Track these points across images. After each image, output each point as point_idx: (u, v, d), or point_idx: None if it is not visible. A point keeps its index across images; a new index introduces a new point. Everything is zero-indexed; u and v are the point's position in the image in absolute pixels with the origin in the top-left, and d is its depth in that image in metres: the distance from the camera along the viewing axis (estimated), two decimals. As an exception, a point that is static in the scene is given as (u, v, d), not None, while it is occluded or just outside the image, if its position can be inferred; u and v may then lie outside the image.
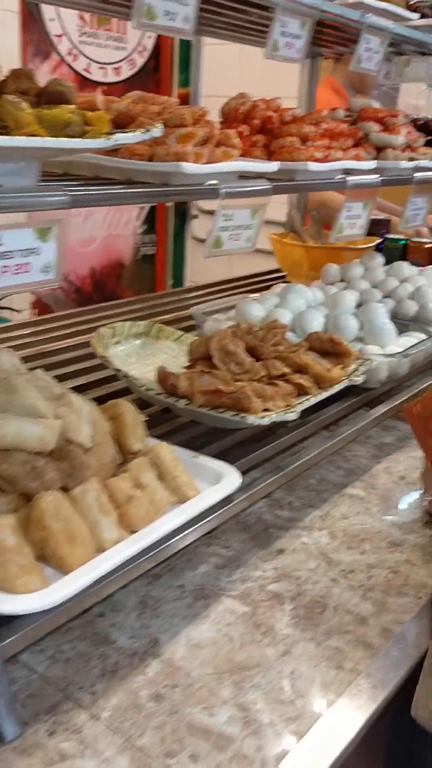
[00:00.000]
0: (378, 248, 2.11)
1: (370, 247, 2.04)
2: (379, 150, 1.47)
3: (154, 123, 0.99)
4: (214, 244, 1.04)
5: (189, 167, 0.94)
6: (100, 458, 0.81)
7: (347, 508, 1.02)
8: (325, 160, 1.25)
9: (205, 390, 0.99)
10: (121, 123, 1.03)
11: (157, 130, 0.84)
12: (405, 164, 1.44)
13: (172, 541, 0.78)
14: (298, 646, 0.75)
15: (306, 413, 1.19)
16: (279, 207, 2.58)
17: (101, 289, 3.96)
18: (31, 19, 3.26)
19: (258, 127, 1.29)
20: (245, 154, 1.25)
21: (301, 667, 0.72)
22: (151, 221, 4.06)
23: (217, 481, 0.88)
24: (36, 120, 0.74)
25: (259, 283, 2.12)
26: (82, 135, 0.77)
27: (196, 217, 4.22)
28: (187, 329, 1.55)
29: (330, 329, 1.36)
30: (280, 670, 0.71)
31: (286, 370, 1.09)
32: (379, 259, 1.75)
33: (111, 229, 3.90)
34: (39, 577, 0.67)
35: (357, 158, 1.33)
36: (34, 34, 3.32)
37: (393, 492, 1.07)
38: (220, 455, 1.05)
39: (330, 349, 1.19)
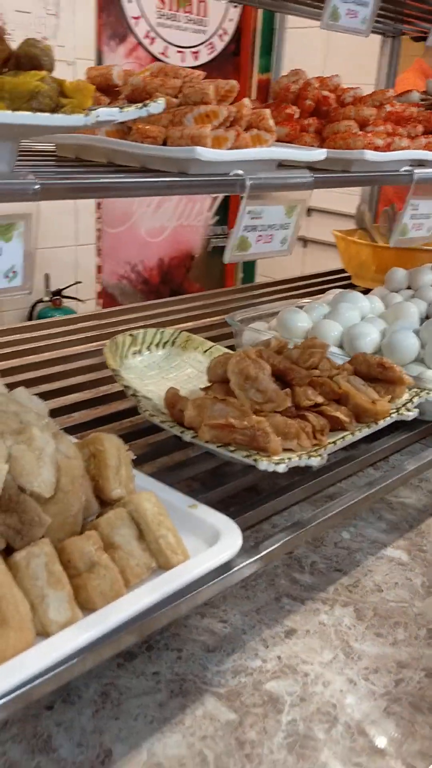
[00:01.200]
0: (457, 251, 1.88)
1: (448, 248, 1.81)
2: (459, 139, 1.25)
3: (171, 101, 0.83)
4: (238, 246, 0.87)
5: (206, 153, 0.77)
6: (64, 510, 0.66)
7: (383, 577, 0.83)
8: (387, 148, 1.05)
9: (213, 423, 0.82)
10: (137, 99, 0.87)
11: (155, 106, 0.67)
12: None
13: (142, 621, 0.62)
14: (289, 781, 0.58)
15: (349, 446, 1.01)
16: (349, 198, 2.37)
17: (169, 282, 3.84)
18: (107, 0, 3.15)
19: (311, 108, 1.10)
20: (295, 140, 1.07)
21: None
22: (224, 212, 3.90)
23: (213, 541, 0.71)
24: (-5, 89, 0.59)
25: (328, 283, 1.93)
26: (55, 108, 0.62)
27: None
28: (226, 336, 1.39)
29: (384, 348, 1.16)
30: None
31: (320, 399, 0.91)
32: (454, 264, 1.53)
33: (182, 219, 3.77)
34: None
35: (428, 147, 1.12)
36: (111, 15, 3.21)
37: (444, 557, 0.88)
38: (236, 497, 0.89)
39: (379, 374, 0.99)
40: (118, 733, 0.61)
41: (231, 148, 0.82)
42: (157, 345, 1.17)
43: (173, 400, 0.90)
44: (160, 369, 1.15)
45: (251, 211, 0.85)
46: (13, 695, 0.53)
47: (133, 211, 3.54)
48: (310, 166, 0.97)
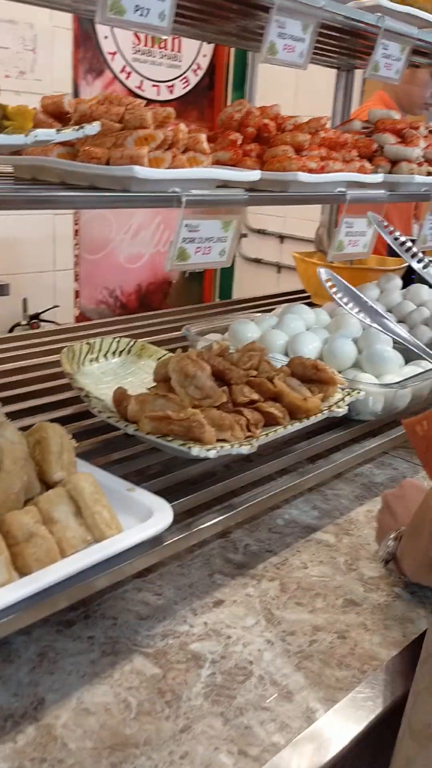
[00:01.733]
0: (411, 270, 1.98)
1: (401, 268, 1.91)
2: (395, 164, 1.36)
3: (113, 126, 0.92)
4: (177, 256, 0.96)
5: (142, 171, 0.86)
6: (6, 488, 0.73)
7: (310, 556, 0.91)
8: (321, 171, 1.14)
9: (152, 416, 0.90)
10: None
11: (91, 128, 0.76)
12: (420, 179, 1.32)
13: (72, 586, 0.69)
14: (202, 722, 0.64)
15: (291, 443, 1.09)
16: (310, 224, 2.48)
17: (147, 306, 3.94)
18: (84, 37, 3.28)
19: (252, 135, 1.20)
20: (238, 164, 1.16)
21: (197, 748, 0.61)
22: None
23: (147, 519, 0.78)
24: None
25: (290, 301, 2.02)
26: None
27: (245, 235, 4.16)
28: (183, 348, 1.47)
29: (325, 354, 1.24)
30: (171, 750, 0.61)
31: (256, 396, 0.99)
32: (397, 281, 1.63)
33: (159, 246, 3.88)
34: None
35: (361, 170, 1.22)
36: (88, 51, 3.34)
37: (368, 539, 0.95)
38: (180, 486, 0.96)
39: (313, 376, 1.08)
40: (51, 685, 0.67)
41: (168, 168, 0.92)
42: (114, 353, 1.25)
43: (120, 398, 0.98)
44: (116, 375, 1.22)
45: (188, 224, 0.94)
46: None
47: (112, 237, 3.65)
48: (253, 187, 1.07)
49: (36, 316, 3.43)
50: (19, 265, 3.43)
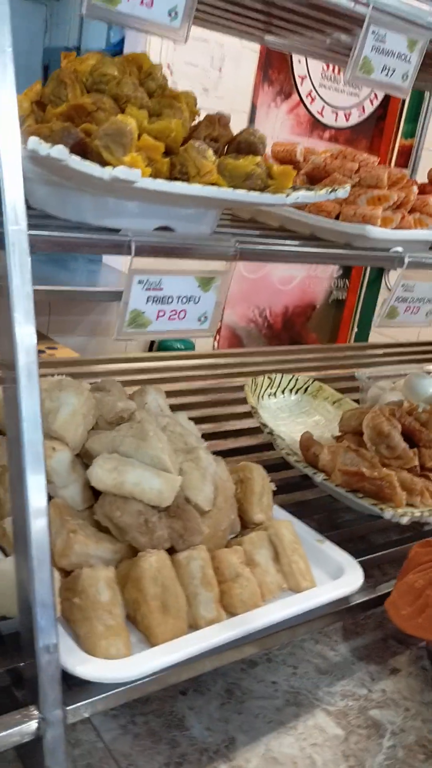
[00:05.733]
0: None
1: None
2: None
3: (346, 181, 0.95)
4: (388, 314, 0.97)
5: (375, 231, 0.88)
6: (216, 524, 0.76)
7: None
8: None
9: (346, 470, 0.91)
10: (316, 177, 0.99)
11: (342, 191, 0.79)
12: None
13: (270, 633, 0.71)
14: (388, 797, 0.64)
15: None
16: None
17: (289, 329, 3.96)
18: (277, 58, 3.32)
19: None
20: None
21: None
22: (347, 266, 3.99)
23: (337, 575, 0.79)
24: (218, 168, 0.72)
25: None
26: (263, 188, 0.74)
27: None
28: (350, 390, 1.48)
29: None
30: None
31: (445, 463, 0.98)
32: None
33: (310, 270, 3.88)
34: (123, 642, 0.64)
35: None
36: (281, 72, 3.38)
37: None
38: (356, 540, 0.97)
39: None
40: (240, 725, 0.70)
41: (395, 228, 0.93)
42: (291, 390, 1.28)
43: (308, 443, 1.00)
44: (291, 412, 1.25)
45: (405, 284, 0.95)
46: (171, 670, 0.63)
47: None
48: None
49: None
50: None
